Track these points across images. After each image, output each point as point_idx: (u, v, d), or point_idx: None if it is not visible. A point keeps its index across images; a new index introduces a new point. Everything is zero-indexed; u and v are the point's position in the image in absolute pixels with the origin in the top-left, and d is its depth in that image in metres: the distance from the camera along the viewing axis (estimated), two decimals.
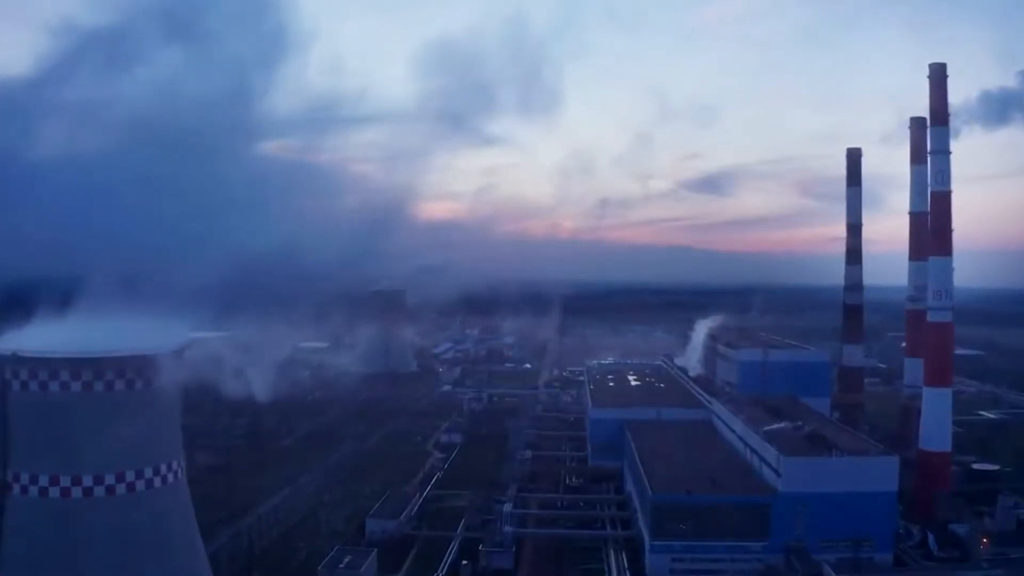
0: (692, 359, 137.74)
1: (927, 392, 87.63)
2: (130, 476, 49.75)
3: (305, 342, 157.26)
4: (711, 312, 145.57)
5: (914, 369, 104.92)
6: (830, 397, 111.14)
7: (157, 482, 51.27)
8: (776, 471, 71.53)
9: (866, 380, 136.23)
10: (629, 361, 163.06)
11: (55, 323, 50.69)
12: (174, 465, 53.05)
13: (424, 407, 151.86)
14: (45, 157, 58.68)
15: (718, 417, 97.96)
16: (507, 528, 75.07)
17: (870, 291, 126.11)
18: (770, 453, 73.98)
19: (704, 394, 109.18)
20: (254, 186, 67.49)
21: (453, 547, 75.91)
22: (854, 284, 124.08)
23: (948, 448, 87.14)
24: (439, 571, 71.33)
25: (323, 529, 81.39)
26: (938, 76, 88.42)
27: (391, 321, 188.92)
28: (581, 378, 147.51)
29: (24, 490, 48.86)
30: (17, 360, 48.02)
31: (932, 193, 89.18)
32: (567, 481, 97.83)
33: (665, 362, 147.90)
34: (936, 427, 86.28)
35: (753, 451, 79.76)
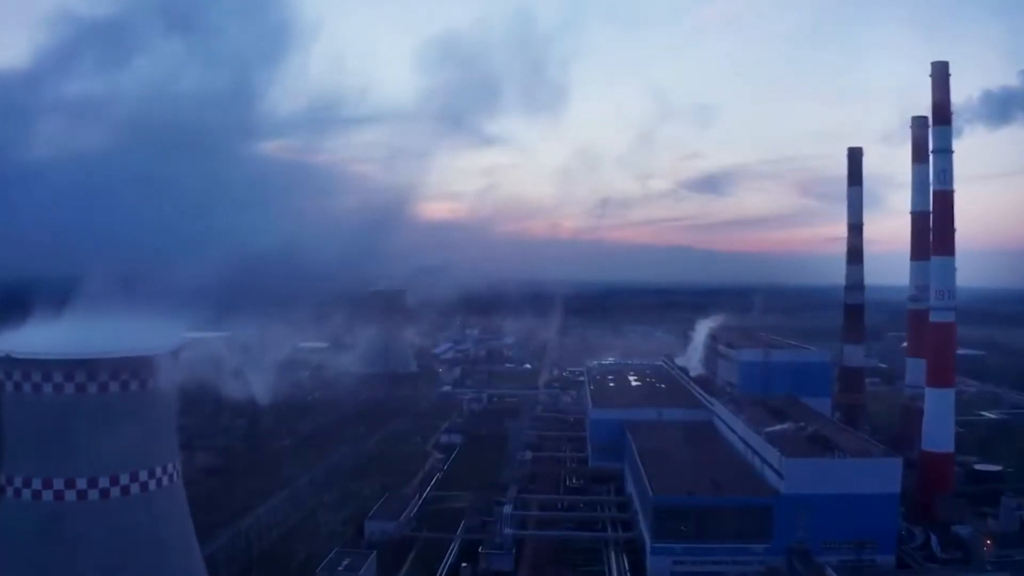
0: (693, 359, 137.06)
1: (929, 393, 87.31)
2: (125, 479, 49.03)
3: (305, 342, 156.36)
4: (712, 312, 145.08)
5: (915, 369, 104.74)
6: (831, 397, 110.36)
7: (152, 485, 50.57)
8: (778, 472, 71.08)
9: (867, 380, 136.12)
10: (629, 361, 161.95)
11: (49, 324, 50.10)
12: (170, 468, 52.38)
13: (424, 407, 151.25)
14: (40, 155, 58.33)
15: (719, 418, 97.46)
16: (507, 530, 74.61)
17: (871, 291, 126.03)
18: (772, 454, 73.52)
19: (705, 394, 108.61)
20: (254, 185, 67.30)
21: (453, 549, 75.60)
22: (855, 284, 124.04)
23: (951, 449, 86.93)
24: (439, 573, 70.97)
25: (322, 530, 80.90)
26: (940, 75, 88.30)
27: (391, 321, 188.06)
28: (581, 378, 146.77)
29: (17, 493, 48.18)
30: (10, 361, 47.40)
31: (934, 192, 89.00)
32: (567, 482, 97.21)
33: (666, 362, 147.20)
34: (939, 428, 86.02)
35: (755, 452, 79.29)
